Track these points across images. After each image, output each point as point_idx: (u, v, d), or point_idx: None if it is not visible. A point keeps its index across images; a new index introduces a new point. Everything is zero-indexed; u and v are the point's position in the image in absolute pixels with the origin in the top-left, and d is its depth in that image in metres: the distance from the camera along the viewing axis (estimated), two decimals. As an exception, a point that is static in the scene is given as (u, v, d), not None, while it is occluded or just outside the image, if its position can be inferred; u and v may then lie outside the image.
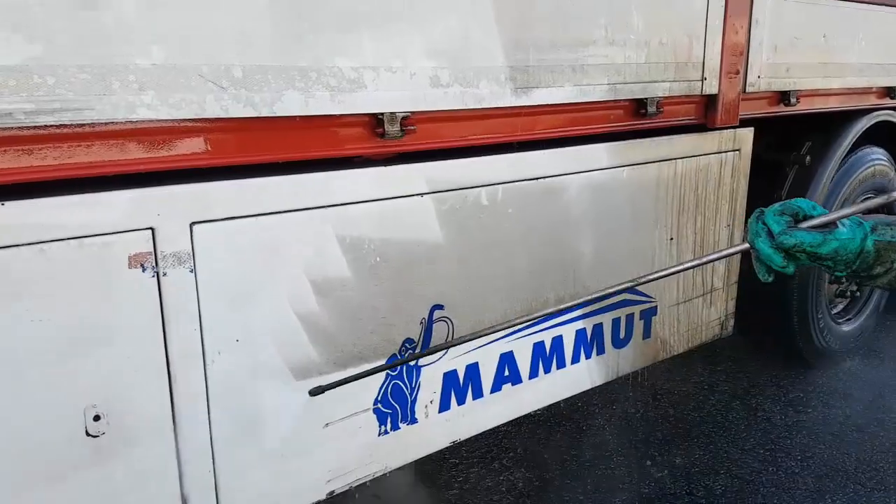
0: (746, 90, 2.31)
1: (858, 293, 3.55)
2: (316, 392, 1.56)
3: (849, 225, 1.06)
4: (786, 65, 2.43)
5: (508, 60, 1.67)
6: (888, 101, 3.13)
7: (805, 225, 1.05)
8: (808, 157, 2.97)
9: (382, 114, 1.50)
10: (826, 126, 3.05)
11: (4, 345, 1.18)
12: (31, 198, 1.16)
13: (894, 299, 4.20)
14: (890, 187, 3.46)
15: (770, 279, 1.14)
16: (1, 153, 1.08)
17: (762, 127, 3.10)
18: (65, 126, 1.13)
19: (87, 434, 1.29)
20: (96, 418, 1.30)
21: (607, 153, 2.06)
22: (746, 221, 2.54)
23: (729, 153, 2.45)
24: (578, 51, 1.80)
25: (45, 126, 1.11)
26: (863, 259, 1.06)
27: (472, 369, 1.91)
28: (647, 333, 2.40)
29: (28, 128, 1.09)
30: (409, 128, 1.54)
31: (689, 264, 1.28)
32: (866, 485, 2.53)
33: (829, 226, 1.05)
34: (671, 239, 2.35)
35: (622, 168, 2.11)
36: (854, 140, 3.06)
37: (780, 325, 3.23)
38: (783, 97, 2.52)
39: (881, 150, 3.35)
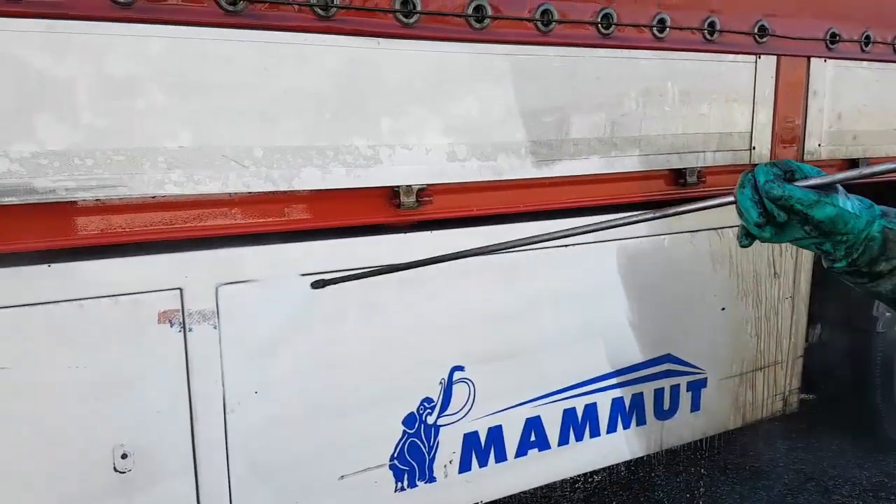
0: (804, 159, 2.11)
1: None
2: (318, 285, 1.27)
3: (857, 201, 0.83)
4: (851, 132, 2.20)
5: (529, 135, 1.64)
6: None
7: (802, 183, 0.81)
8: (890, 225, 2.64)
9: (399, 187, 1.51)
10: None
11: (47, 388, 1.29)
12: (73, 260, 1.28)
13: None
14: None
15: (746, 243, 0.88)
16: (45, 222, 1.21)
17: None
18: (100, 200, 1.24)
19: (115, 470, 1.37)
20: (124, 456, 1.37)
21: (646, 222, 1.94)
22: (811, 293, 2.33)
23: (789, 222, 2.23)
24: (606, 123, 1.74)
25: (84, 199, 1.23)
26: (866, 247, 0.83)
27: (495, 432, 1.83)
28: (695, 406, 2.19)
29: (68, 202, 1.21)
30: (425, 199, 1.55)
31: (671, 210, 0.94)
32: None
33: (830, 191, 0.81)
34: (723, 308, 2.16)
35: (662, 236, 1.99)
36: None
37: (863, 402, 2.84)
38: (851, 164, 2.27)
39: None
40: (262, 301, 1.46)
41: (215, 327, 1.41)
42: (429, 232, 1.63)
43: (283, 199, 1.41)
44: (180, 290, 1.37)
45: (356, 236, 1.56)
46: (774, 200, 0.80)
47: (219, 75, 1.30)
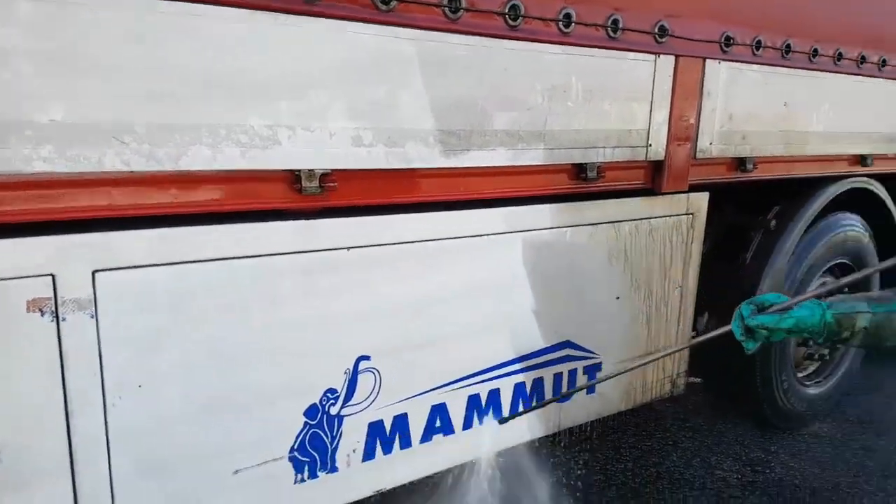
0: (697, 157, 2.20)
1: (828, 356, 3.34)
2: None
3: (808, 305, 1.32)
4: (741, 132, 2.32)
5: (438, 124, 1.61)
6: (860, 169, 2.98)
7: (771, 310, 1.33)
8: (773, 222, 2.83)
9: (300, 171, 1.44)
10: (795, 192, 2.92)
11: None
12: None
13: (871, 363, 3.98)
14: (864, 253, 3.29)
15: (750, 351, 1.45)
16: None
17: (730, 192, 3.01)
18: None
19: (-21, 468, 1.23)
20: (-11, 454, 1.24)
21: (550, 214, 1.97)
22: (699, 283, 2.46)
23: (682, 216, 2.33)
24: (513, 116, 1.73)
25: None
26: (828, 329, 1.31)
27: (401, 420, 1.81)
28: (590, 389, 2.26)
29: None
30: (329, 184, 1.48)
31: (677, 348, 1.83)
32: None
33: (792, 308, 1.32)
34: (618, 298, 2.23)
35: (565, 228, 2.02)
36: (822, 206, 2.91)
37: (744, 387, 3.05)
38: (740, 163, 2.40)
39: (855, 217, 3.18)
40: (146, 288, 1.35)
41: (92, 316, 1.29)
42: (336, 219, 1.57)
43: (169, 179, 1.31)
44: (52, 276, 1.24)
45: (255, 221, 1.47)
46: (754, 328, 1.35)
47: (93, 43, 1.17)
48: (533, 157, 1.80)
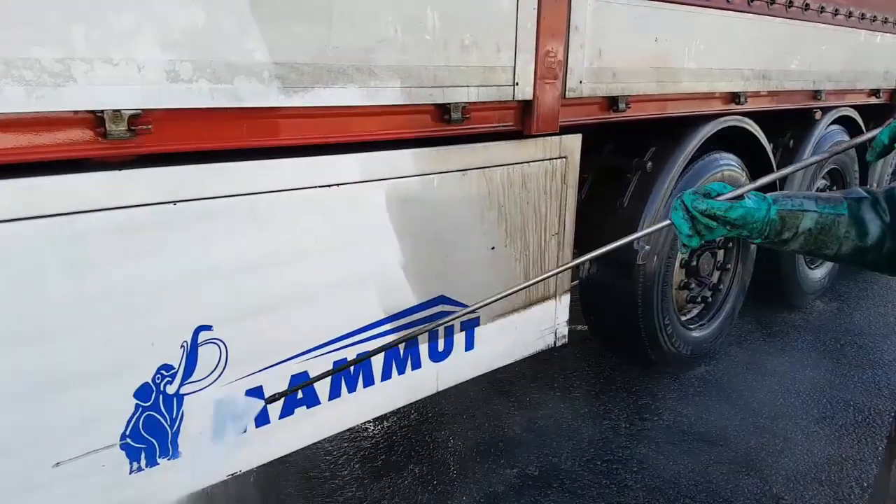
0: (567, 96, 2.26)
1: (711, 299, 3.63)
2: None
3: (754, 198, 1.22)
4: (611, 70, 2.41)
5: (274, 57, 1.52)
6: (735, 107, 3.19)
7: (721, 198, 1.20)
8: (649, 164, 2.99)
9: (102, 111, 1.32)
10: (671, 132, 3.10)
11: None
12: None
13: (751, 305, 4.38)
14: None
15: (685, 250, 1.49)
16: None
17: (606, 133, 3.14)
18: None
19: None
20: None
21: (414, 160, 1.95)
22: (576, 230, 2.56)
23: (555, 160, 2.40)
24: (363, 49, 1.68)
25: None
26: (771, 227, 1.22)
27: (255, 394, 1.76)
28: (469, 345, 2.31)
29: None
30: (142, 128, 1.37)
31: (613, 245, 1.42)
32: (696, 498, 2.55)
33: (738, 199, 1.20)
34: (492, 248, 2.27)
35: (431, 175, 2.01)
36: (698, 146, 3.11)
37: (629, 331, 3.25)
38: (612, 103, 2.49)
39: (731, 156, 3.42)
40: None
41: None
42: (155, 169, 1.46)
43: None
44: None
45: (52, 174, 1.33)
46: (701, 213, 1.19)
47: None
48: (389, 96, 1.76)
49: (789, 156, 4.00)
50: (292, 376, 1.82)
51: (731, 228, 1.22)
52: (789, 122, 4.04)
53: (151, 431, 1.58)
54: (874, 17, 3.97)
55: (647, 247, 2.99)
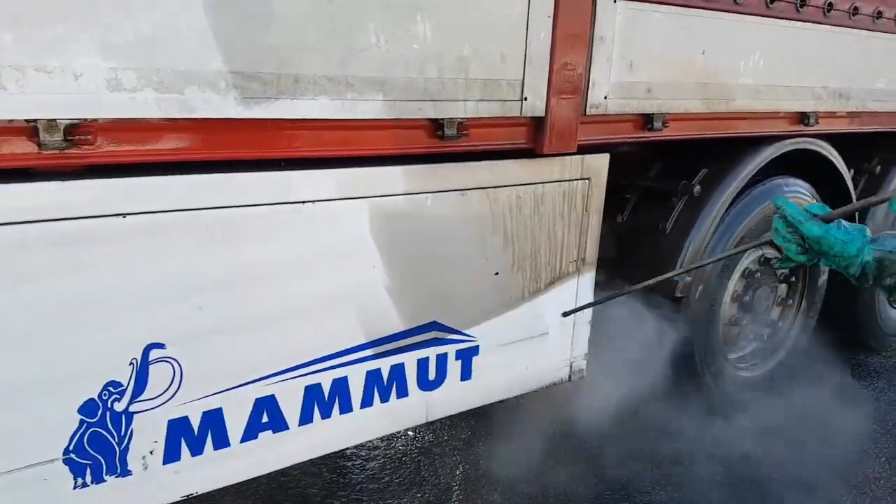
0: (588, 113, 2.04)
1: (767, 337, 3.26)
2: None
3: (850, 229, 1.21)
4: (645, 85, 2.16)
5: (231, 65, 1.42)
6: (802, 128, 2.84)
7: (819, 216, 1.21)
8: (697, 188, 2.70)
9: (36, 121, 1.26)
10: (725, 154, 2.79)
11: None
12: None
13: (823, 344, 3.93)
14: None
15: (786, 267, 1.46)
16: None
17: (655, 152, 2.86)
18: None
19: None
20: None
21: (403, 177, 1.80)
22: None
23: (575, 182, 2.18)
24: (338, 58, 1.55)
25: None
26: (866, 267, 1.17)
27: (214, 416, 1.66)
28: (465, 375, 2.14)
29: None
30: (80, 138, 1.30)
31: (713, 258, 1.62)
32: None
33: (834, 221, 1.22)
34: (496, 274, 2.09)
35: (424, 194, 1.86)
36: (756, 170, 2.79)
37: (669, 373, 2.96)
38: (646, 121, 2.24)
39: (800, 182, 3.06)
40: None
41: None
42: (102, 180, 1.39)
43: None
44: None
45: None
46: (787, 217, 1.22)
47: None
48: (370, 109, 1.62)
49: (875, 183, 3.54)
50: (256, 399, 1.72)
51: (810, 253, 1.23)
52: (881, 147, 3.58)
53: (98, 448, 1.52)
54: None
55: (688, 277, 2.70)
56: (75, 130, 1.29)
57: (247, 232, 1.59)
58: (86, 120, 1.29)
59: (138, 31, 1.30)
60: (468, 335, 2.09)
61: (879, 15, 2.80)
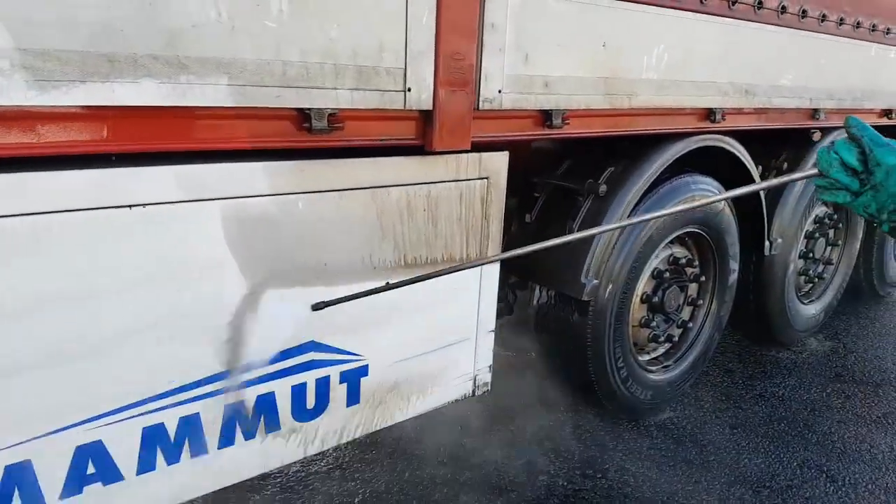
0: (481, 108, 1.82)
1: (678, 338, 3.16)
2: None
3: None
4: (542, 79, 1.96)
5: (19, 42, 1.11)
6: (709, 125, 2.72)
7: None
8: (603, 187, 2.54)
9: None
10: (630, 152, 2.64)
11: None
12: None
13: (738, 341, 3.91)
14: (720, 220, 3.09)
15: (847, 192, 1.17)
16: None
17: (563, 150, 2.70)
18: None
19: None
20: None
21: (265, 176, 1.53)
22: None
23: (472, 182, 1.96)
24: (166, 35, 1.26)
25: None
26: None
27: (20, 471, 1.34)
28: (353, 399, 1.89)
29: None
30: None
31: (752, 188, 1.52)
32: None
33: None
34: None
35: (294, 195, 1.59)
36: (662, 168, 2.65)
37: (576, 372, 2.82)
38: (545, 117, 2.05)
39: (708, 180, 2.96)
40: None
41: None
42: None
43: None
44: None
45: None
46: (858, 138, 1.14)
47: None
48: (210, 95, 1.34)
49: (781, 180, 3.50)
50: (77, 447, 1.41)
51: (866, 185, 1.13)
52: (787, 143, 3.55)
53: None
54: (888, 29, 3.46)
55: (594, 280, 2.55)
56: None
57: (55, 242, 1.28)
58: None
59: None
60: (354, 354, 1.85)
61: (784, 10, 2.72)
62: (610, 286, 2.63)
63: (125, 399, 1.45)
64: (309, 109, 1.49)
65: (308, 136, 1.52)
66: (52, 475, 1.38)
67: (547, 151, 2.74)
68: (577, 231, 2.49)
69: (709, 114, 2.67)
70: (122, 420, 1.45)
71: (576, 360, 2.75)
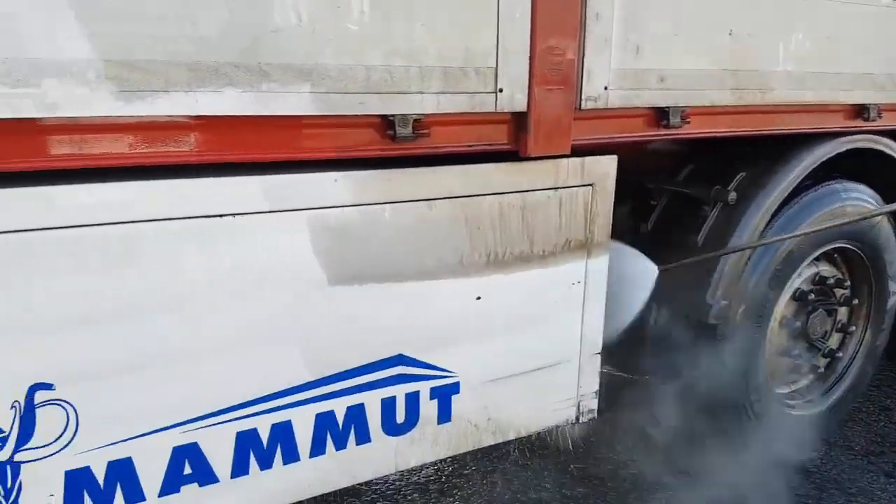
0: (583, 107, 1.67)
1: (825, 369, 2.75)
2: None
3: None
4: (657, 72, 1.77)
5: (104, 52, 1.15)
6: (861, 124, 2.36)
7: None
8: (732, 195, 2.27)
9: None
10: (767, 155, 2.35)
11: None
12: None
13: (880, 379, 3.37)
14: (876, 234, 2.67)
15: None
16: None
17: (688, 151, 2.45)
18: None
19: None
20: None
21: (350, 186, 1.49)
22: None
23: (574, 189, 1.81)
24: (248, 41, 1.26)
25: None
26: None
27: (122, 467, 1.40)
28: (444, 416, 1.80)
29: None
30: None
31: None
32: None
33: None
34: (478, 298, 1.75)
35: (381, 205, 1.55)
36: (806, 173, 2.33)
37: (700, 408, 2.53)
38: (660, 116, 1.85)
39: (861, 187, 2.58)
40: None
41: None
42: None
43: None
44: None
45: None
46: None
47: None
48: (293, 103, 1.33)
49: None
50: (174, 448, 1.44)
51: None
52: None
53: (-25, 503, 1.28)
54: None
55: (723, 301, 2.28)
56: None
57: (148, 252, 1.32)
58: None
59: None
60: (445, 371, 1.76)
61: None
62: (742, 308, 2.33)
63: (220, 403, 1.47)
64: (393, 116, 1.44)
65: (392, 144, 1.47)
66: (151, 473, 1.42)
67: (665, 153, 2.51)
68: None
69: (861, 110, 2.31)
70: (217, 424, 1.47)
71: (698, 389, 2.47)
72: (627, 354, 2.56)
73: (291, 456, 1.60)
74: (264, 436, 1.55)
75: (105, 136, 1.20)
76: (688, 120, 1.88)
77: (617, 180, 1.88)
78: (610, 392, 2.14)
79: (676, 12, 1.76)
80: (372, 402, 1.67)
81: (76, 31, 1.12)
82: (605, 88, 1.70)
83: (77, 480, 1.36)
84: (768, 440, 2.59)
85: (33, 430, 1.30)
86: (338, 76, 1.35)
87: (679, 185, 2.41)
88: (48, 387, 1.29)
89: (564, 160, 1.75)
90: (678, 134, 1.89)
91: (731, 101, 1.93)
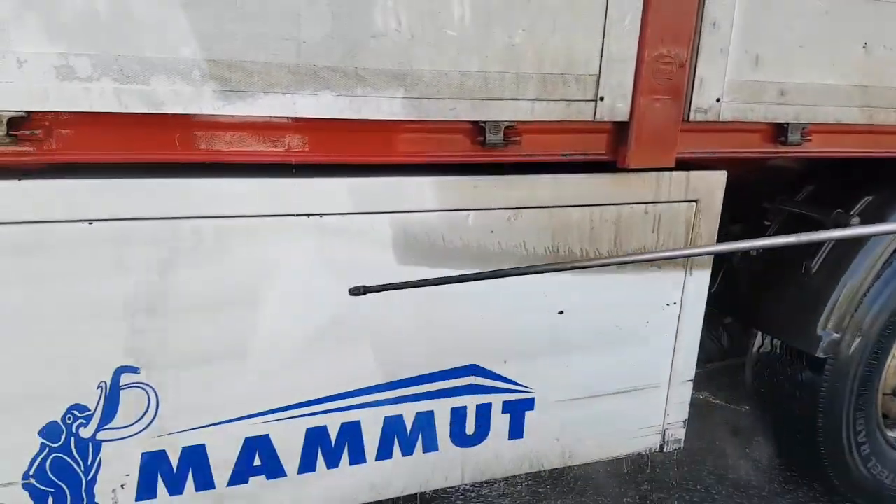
0: (692, 119, 1.56)
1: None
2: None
3: None
4: (777, 85, 1.63)
5: (209, 52, 1.18)
6: None
7: None
8: (856, 219, 2.07)
9: (-24, 113, 1.10)
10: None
11: None
12: None
13: None
14: None
15: None
16: None
17: (807, 170, 2.26)
18: None
19: None
20: None
21: (434, 191, 1.47)
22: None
23: (675, 203, 1.70)
24: (344, 46, 1.26)
25: None
26: None
27: (195, 453, 1.45)
28: (516, 432, 1.76)
29: None
30: (25, 134, 1.13)
31: None
32: None
33: None
34: (560, 313, 1.68)
35: (465, 212, 1.51)
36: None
37: (804, 443, 2.34)
38: (778, 132, 1.71)
39: None
40: None
41: None
42: (59, 181, 1.22)
43: None
44: None
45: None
46: None
47: None
48: (385, 108, 1.31)
49: None
50: (246, 438, 1.48)
51: None
52: None
53: (61, 475, 1.36)
54: None
55: (835, 334, 2.09)
56: (20, 125, 1.11)
57: (238, 246, 1.35)
58: (34, 113, 1.12)
59: (93, 9, 1.10)
60: (520, 385, 1.72)
61: None
62: (857, 342, 2.13)
63: (293, 398, 1.49)
64: (484, 122, 1.40)
65: (481, 150, 1.43)
66: (222, 462, 1.47)
67: (783, 172, 2.33)
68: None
69: None
70: (288, 418, 1.50)
71: (802, 426, 2.29)
72: (726, 381, 2.42)
73: (358, 457, 1.61)
74: (333, 434, 1.56)
75: (207, 133, 1.24)
76: (809, 137, 1.73)
77: (725, 197, 1.76)
78: (702, 417, 2.02)
79: (803, 23, 1.61)
80: (442, 410, 1.66)
81: (183, 29, 1.15)
82: (718, 100, 1.58)
83: (152, 463, 1.43)
84: (875, 489, 2.37)
85: (116, 411, 1.37)
86: (431, 81, 1.33)
87: (798, 205, 2.23)
88: (134, 370, 1.36)
89: (667, 173, 1.65)
90: (797, 152, 1.74)
91: (860, 119, 1.75)
